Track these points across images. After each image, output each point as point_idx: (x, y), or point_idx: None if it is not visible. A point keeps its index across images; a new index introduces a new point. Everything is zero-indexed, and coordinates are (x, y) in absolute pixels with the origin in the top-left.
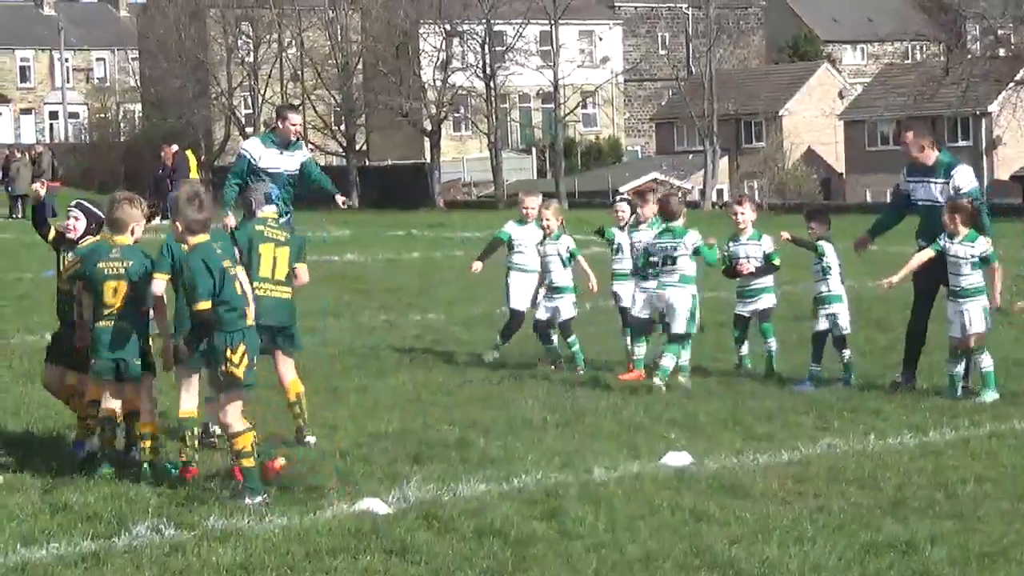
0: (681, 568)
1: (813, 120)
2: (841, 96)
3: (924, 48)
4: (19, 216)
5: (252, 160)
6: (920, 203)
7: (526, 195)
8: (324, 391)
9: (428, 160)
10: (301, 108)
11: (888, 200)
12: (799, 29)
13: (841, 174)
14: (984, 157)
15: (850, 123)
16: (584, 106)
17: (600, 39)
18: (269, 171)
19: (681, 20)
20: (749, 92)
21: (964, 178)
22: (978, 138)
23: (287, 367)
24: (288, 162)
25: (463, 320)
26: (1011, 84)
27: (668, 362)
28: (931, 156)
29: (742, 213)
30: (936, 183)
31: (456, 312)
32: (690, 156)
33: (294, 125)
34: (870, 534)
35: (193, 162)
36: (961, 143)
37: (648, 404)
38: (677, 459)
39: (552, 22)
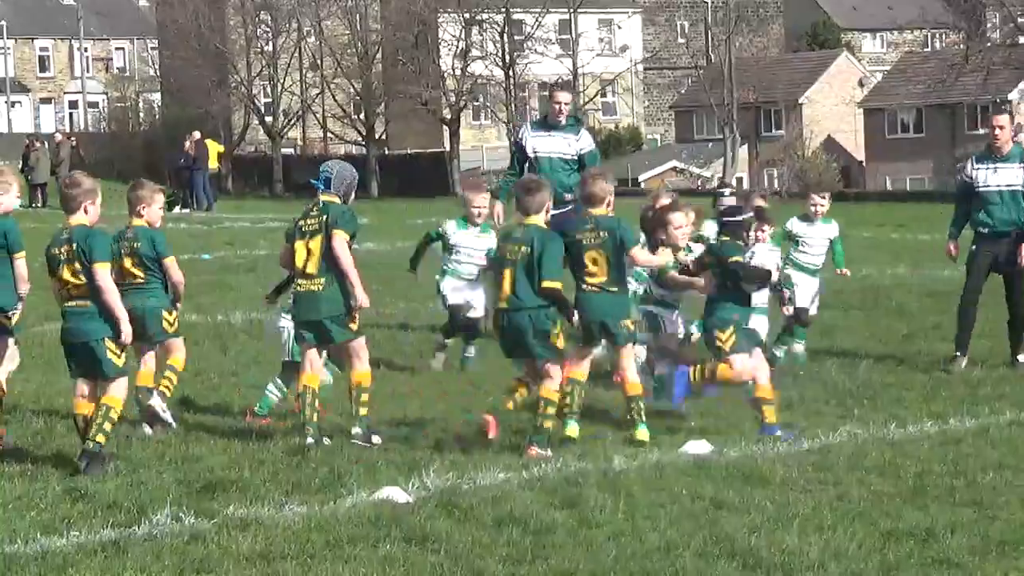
0: (700, 556)
1: (833, 108)
2: (861, 84)
3: (944, 36)
4: (39, 205)
5: (523, 146)
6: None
7: (474, 192)
8: (343, 379)
9: (447, 149)
10: (569, 85)
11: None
12: (818, 17)
13: (861, 162)
14: None
15: (869, 111)
16: (603, 95)
17: (619, 27)
18: (538, 155)
19: (700, 8)
20: (768, 80)
21: None
22: None
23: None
24: (559, 145)
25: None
26: None
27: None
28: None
29: None
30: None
31: None
32: (709, 144)
33: (557, 103)
34: (890, 522)
35: (213, 151)
36: (981, 131)
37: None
38: (697, 447)
39: (571, 10)
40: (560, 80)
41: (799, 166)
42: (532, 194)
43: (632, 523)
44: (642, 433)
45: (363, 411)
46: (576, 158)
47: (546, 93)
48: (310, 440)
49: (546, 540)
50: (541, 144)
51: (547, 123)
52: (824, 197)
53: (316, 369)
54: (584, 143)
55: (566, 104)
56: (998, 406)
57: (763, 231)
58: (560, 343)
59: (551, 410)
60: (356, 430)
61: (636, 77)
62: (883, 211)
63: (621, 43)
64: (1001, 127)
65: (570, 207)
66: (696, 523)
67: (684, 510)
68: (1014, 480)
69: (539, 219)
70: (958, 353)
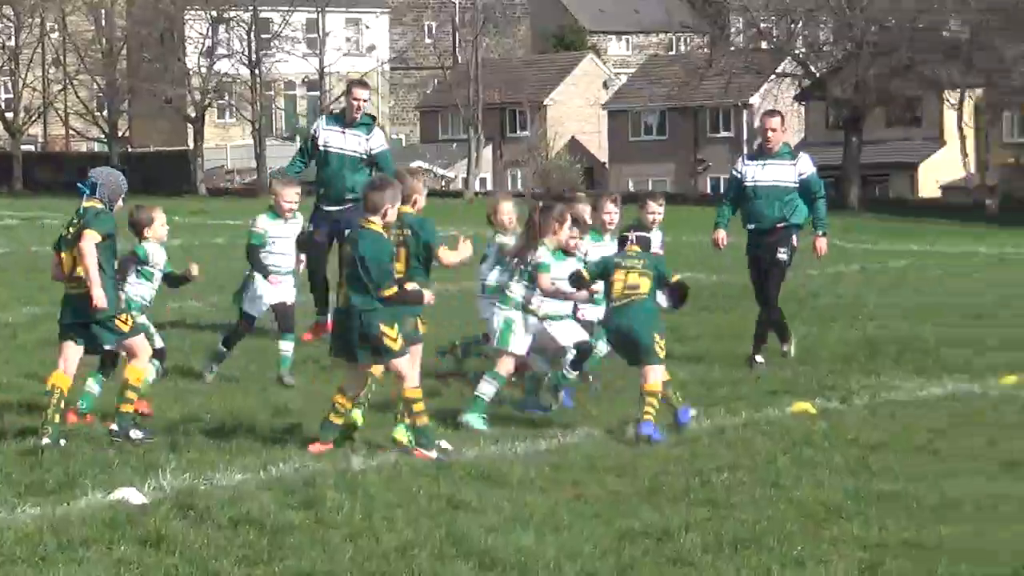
0: (437, 557)
1: (577, 110)
2: (605, 86)
3: (688, 40)
4: None
5: (315, 137)
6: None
7: (286, 187)
8: (79, 379)
9: (191, 147)
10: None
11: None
12: (565, 19)
13: (604, 163)
14: (745, 148)
15: (613, 113)
16: None
17: (367, 27)
18: (328, 150)
19: (448, 9)
20: (515, 81)
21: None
22: (739, 129)
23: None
24: (352, 142)
25: (223, 307)
26: (772, 76)
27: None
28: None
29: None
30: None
31: (213, 300)
32: (454, 145)
33: (356, 100)
34: (626, 522)
35: None
36: (723, 134)
37: None
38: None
39: (319, 10)
40: (360, 77)
41: (543, 167)
42: (370, 192)
43: (369, 523)
44: (400, 433)
45: (126, 408)
46: (366, 156)
47: (343, 90)
48: (46, 441)
49: (283, 541)
50: (333, 139)
51: (342, 119)
52: (662, 205)
53: (68, 371)
54: (375, 142)
55: (364, 101)
56: (734, 406)
57: (579, 238)
58: (396, 345)
59: (420, 406)
60: (113, 427)
61: (382, 77)
62: (625, 212)
63: (368, 43)
64: (773, 129)
65: (350, 206)
66: (433, 523)
67: (421, 510)
68: (747, 480)
69: (375, 221)
70: (784, 347)
